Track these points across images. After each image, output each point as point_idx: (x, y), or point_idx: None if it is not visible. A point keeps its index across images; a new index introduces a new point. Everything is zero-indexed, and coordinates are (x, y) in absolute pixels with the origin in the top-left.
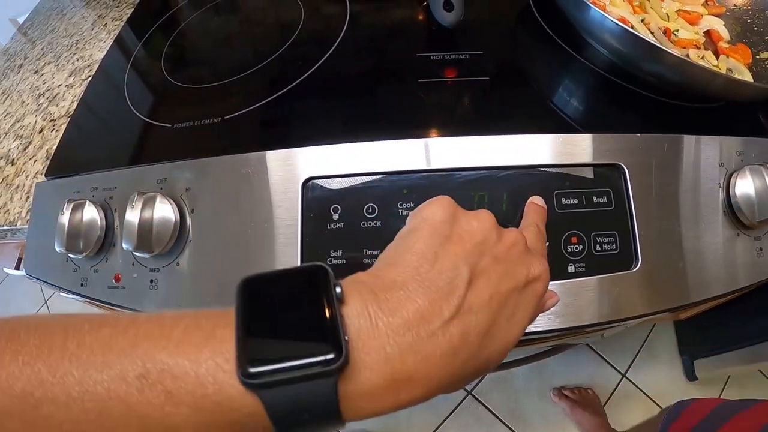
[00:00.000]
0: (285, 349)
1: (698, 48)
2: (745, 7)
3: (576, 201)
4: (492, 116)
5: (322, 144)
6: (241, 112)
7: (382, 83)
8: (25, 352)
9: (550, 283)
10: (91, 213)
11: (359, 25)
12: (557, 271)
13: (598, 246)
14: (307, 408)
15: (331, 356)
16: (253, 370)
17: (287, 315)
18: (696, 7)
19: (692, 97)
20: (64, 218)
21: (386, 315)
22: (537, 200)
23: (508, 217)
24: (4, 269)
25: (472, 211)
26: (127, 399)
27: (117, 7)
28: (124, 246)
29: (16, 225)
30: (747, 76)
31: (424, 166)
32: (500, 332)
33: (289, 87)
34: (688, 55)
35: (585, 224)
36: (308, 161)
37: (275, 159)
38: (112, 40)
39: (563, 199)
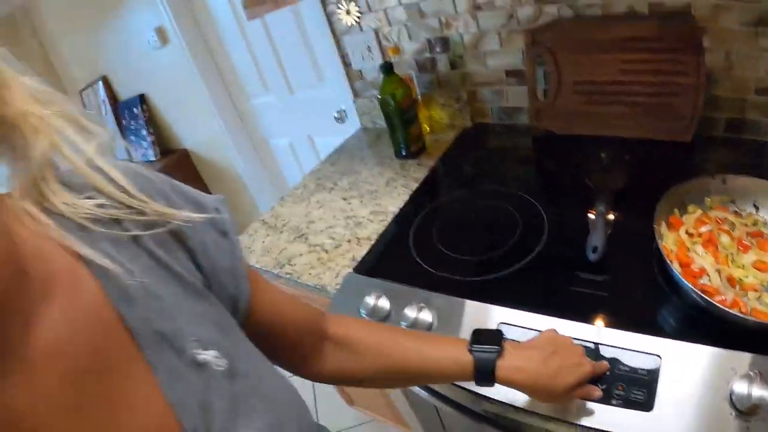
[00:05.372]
0: (486, 345)
1: (756, 291)
2: None
3: (628, 369)
4: (604, 314)
5: (513, 307)
6: (473, 279)
7: (555, 285)
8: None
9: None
10: (383, 302)
11: (549, 252)
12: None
13: (632, 394)
14: (485, 366)
15: (498, 347)
16: (474, 347)
17: (488, 338)
18: None
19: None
20: (370, 300)
21: (518, 348)
22: (605, 363)
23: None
24: None
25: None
26: (442, 362)
27: (403, 177)
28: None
29: (326, 288)
30: None
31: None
32: (561, 377)
33: (499, 274)
34: (747, 296)
35: (627, 381)
36: (502, 313)
37: (485, 307)
38: (403, 203)
39: (620, 366)
